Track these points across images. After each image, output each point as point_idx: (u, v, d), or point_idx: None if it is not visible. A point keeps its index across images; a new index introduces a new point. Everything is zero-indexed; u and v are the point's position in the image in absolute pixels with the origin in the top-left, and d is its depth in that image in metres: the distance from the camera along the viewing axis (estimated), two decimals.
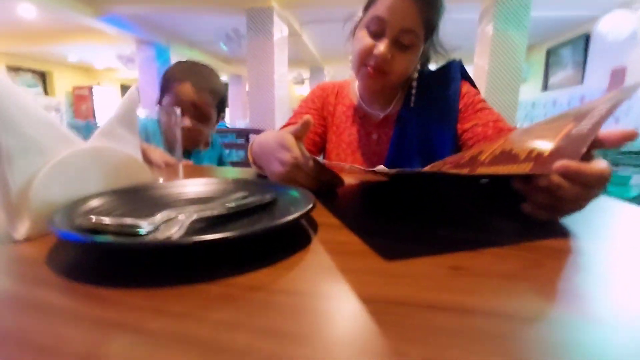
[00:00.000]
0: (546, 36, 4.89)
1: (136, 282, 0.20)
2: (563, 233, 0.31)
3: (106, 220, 0.25)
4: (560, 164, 0.30)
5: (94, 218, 0.25)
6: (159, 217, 0.28)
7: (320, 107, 0.82)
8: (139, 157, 0.38)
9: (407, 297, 0.19)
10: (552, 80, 4.94)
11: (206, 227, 0.30)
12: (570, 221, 0.35)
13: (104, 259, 0.24)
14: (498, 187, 0.50)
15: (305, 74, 7.97)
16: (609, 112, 0.33)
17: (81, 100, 8.10)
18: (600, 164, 0.30)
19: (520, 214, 0.35)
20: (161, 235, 0.26)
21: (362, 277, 0.22)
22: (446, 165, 0.51)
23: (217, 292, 0.19)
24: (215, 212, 0.30)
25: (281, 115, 4.05)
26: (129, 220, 0.26)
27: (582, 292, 0.20)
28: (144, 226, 0.26)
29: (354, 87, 0.81)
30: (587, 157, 0.32)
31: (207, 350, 0.14)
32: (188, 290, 0.19)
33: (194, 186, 0.39)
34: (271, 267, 0.23)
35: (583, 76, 4.30)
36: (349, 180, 0.58)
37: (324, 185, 0.44)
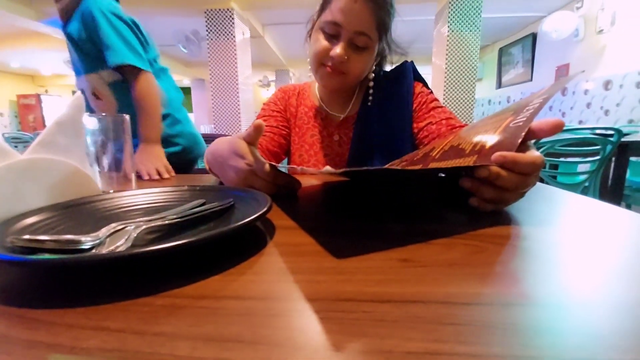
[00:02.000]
0: (498, 36, 5.20)
1: (75, 301, 0.19)
2: (507, 221, 0.34)
3: (43, 237, 0.24)
4: (498, 154, 0.32)
5: (27, 236, 0.23)
6: (105, 230, 0.27)
7: (283, 109, 0.82)
8: (85, 167, 0.36)
9: (355, 292, 0.20)
10: (505, 78, 5.26)
11: (157, 237, 0.29)
12: (515, 210, 0.37)
13: (41, 279, 0.23)
14: (451, 182, 0.53)
15: (271, 77, 7.92)
16: (542, 105, 0.36)
17: (27, 110, 7.49)
18: (533, 153, 0.33)
19: (468, 206, 0.37)
20: (106, 249, 0.24)
21: (313, 276, 0.22)
22: (402, 162, 0.53)
23: (161, 304, 0.19)
24: (167, 222, 0.29)
25: (247, 119, 3.98)
26: (68, 236, 0.25)
27: (521, 275, 0.22)
28: (86, 241, 0.25)
29: (315, 89, 0.82)
30: (523, 147, 0.34)
31: None
32: (130, 305, 0.19)
33: (146, 196, 0.38)
34: (222, 274, 0.22)
35: (532, 73, 4.61)
36: (309, 181, 0.58)
37: (281, 188, 0.44)
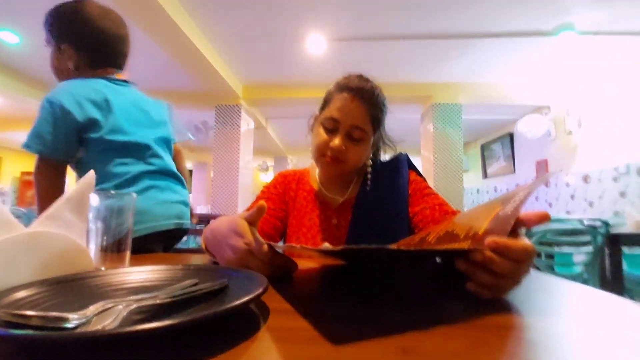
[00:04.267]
0: (479, 134, 5.71)
1: None
2: (507, 310, 0.33)
3: (29, 312, 0.23)
4: (490, 239, 0.33)
5: (14, 311, 0.23)
6: (93, 308, 0.26)
7: (282, 193, 0.85)
8: (83, 242, 0.36)
9: None
10: (490, 170, 5.60)
11: (147, 318, 0.28)
12: (515, 299, 0.36)
13: (22, 356, 0.21)
14: (447, 268, 0.53)
15: (270, 162, 8.34)
16: (527, 196, 0.39)
17: (27, 186, 7.59)
18: (524, 240, 0.34)
19: (467, 293, 0.36)
20: (92, 328, 0.23)
21: None
22: (399, 246, 0.53)
23: None
24: (158, 301, 0.28)
25: (244, 201, 4.05)
26: (54, 313, 0.24)
27: None
28: (73, 319, 0.24)
29: (314, 174, 0.87)
30: (513, 236, 0.35)
31: None
32: None
33: (139, 274, 0.37)
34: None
35: (514, 166, 4.93)
36: (307, 264, 0.58)
37: (277, 270, 0.43)
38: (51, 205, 0.34)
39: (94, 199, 0.45)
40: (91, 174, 0.38)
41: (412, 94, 3.82)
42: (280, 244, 0.84)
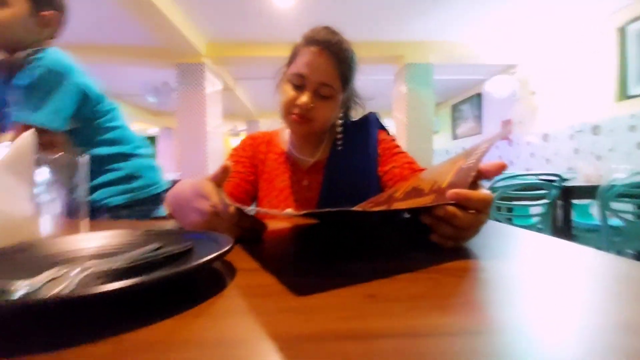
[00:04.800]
0: (449, 95, 5.79)
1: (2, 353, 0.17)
2: (467, 255, 0.35)
3: None
4: (452, 192, 0.34)
5: None
6: (43, 276, 0.24)
7: (251, 156, 0.83)
8: (28, 209, 0.33)
9: (318, 330, 0.19)
10: (459, 130, 5.76)
11: (104, 283, 0.26)
12: (474, 245, 0.39)
13: None
14: (414, 221, 0.54)
15: (241, 127, 8.07)
16: (487, 149, 0.40)
17: None
18: (483, 191, 0.35)
19: (431, 243, 0.38)
20: (42, 297, 0.22)
21: (274, 316, 0.21)
22: (369, 204, 0.54)
23: (101, 353, 0.16)
24: (116, 265, 0.27)
25: (214, 167, 3.94)
26: (0, 283, 0.22)
27: (480, 304, 0.22)
28: (19, 288, 0.22)
29: (284, 136, 0.84)
30: (474, 187, 0.37)
31: None
32: (66, 355, 0.16)
33: (95, 240, 0.35)
34: (174, 318, 0.20)
35: (481, 126, 5.11)
36: (278, 224, 0.58)
37: (246, 232, 0.43)
38: None
39: (42, 161, 0.41)
40: (28, 134, 0.34)
41: (385, 54, 3.74)
42: (252, 207, 0.83)
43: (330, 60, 0.67)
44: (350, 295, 0.24)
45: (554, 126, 3.65)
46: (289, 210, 0.40)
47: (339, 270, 0.30)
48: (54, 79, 0.83)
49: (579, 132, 3.31)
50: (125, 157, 1.01)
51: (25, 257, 0.29)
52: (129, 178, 1.01)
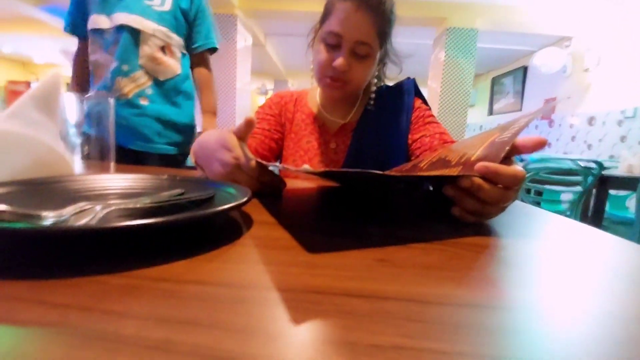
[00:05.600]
0: (491, 66, 5.38)
1: (20, 274, 0.18)
2: (487, 232, 0.33)
3: (1, 207, 0.22)
4: (481, 164, 0.32)
5: None
6: (70, 208, 0.25)
7: (278, 114, 0.82)
8: (58, 145, 0.34)
9: (326, 286, 0.19)
10: (497, 106, 5.42)
11: (127, 220, 0.28)
12: (496, 223, 0.37)
13: None
14: (437, 193, 0.53)
15: (270, 86, 7.97)
16: (527, 123, 0.37)
17: (15, 96, 7.28)
18: (515, 167, 0.33)
19: (451, 217, 0.36)
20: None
21: (284, 268, 0.21)
22: (391, 172, 0.53)
23: (116, 284, 0.17)
24: (138, 205, 0.28)
25: None
26: (30, 210, 0.23)
27: (495, 280, 0.21)
28: (47, 217, 0.23)
29: (315, 96, 0.82)
30: (507, 162, 0.34)
31: (85, 339, 0.13)
32: (81, 282, 0.17)
33: (122, 181, 0.36)
34: (188, 260, 0.21)
35: (522, 104, 4.77)
36: (300, 184, 0.58)
37: (266, 186, 0.43)
38: None
39: (70, 101, 0.42)
40: (56, 73, 0.34)
41: (425, 15, 3.47)
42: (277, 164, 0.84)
43: (367, 15, 0.62)
44: (361, 257, 0.24)
45: (602, 109, 3.35)
46: (306, 167, 0.40)
47: (353, 232, 0.30)
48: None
49: (630, 118, 3.03)
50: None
51: (55, 191, 0.31)
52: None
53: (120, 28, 0.94)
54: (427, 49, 3.95)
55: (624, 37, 3.15)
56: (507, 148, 0.34)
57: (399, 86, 0.79)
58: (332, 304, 0.17)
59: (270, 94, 8.17)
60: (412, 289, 0.19)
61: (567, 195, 1.89)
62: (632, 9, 3.04)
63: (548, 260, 0.26)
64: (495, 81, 5.45)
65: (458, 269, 0.23)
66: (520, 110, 4.77)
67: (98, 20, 0.96)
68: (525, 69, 4.67)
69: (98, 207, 0.26)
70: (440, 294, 0.19)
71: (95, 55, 0.98)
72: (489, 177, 0.32)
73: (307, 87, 0.88)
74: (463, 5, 3.41)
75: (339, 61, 0.64)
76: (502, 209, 0.35)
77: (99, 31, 0.96)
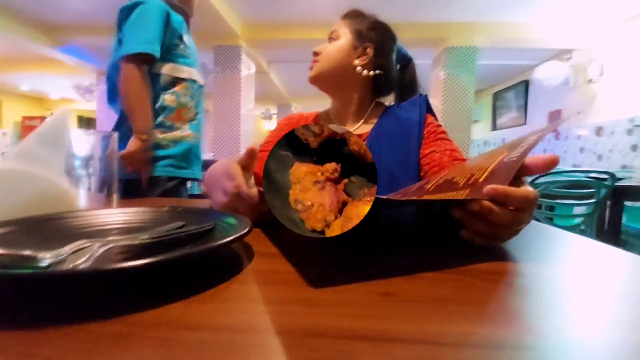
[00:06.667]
0: (492, 81, 5.43)
1: (12, 324, 0.17)
2: (500, 257, 0.32)
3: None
4: (489, 187, 0.31)
5: None
6: (68, 247, 0.25)
7: None
8: (62, 182, 0.34)
9: (328, 327, 0.18)
10: (500, 121, 5.42)
11: (125, 258, 0.27)
12: (509, 246, 0.35)
13: None
14: (444, 217, 0.51)
15: (273, 110, 8.14)
16: (536, 142, 0.36)
17: (29, 131, 7.55)
18: (526, 188, 0.32)
19: (460, 241, 0.35)
20: (65, 267, 0.22)
21: (285, 307, 0.20)
22: (397, 195, 0.52)
23: (106, 332, 0.16)
24: (137, 242, 0.28)
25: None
26: (27, 251, 0.23)
27: (516, 314, 0.20)
28: (44, 258, 0.23)
29: (324, 117, 0.83)
30: (517, 183, 0.33)
31: None
32: (73, 331, 0.16)
33: (123, 215, 0.36)
34: (185, 301, 0.20)
35: (525, 117, 4.76)
36: None
37: (267, 215, 0.42)
38: None
39: (76, 137, 0.42)
40: (64, 110, 0.35)
41: (425, 36, 3.55)
42: None
43: (345, 19, 0.78)
44: (365, 291, 0.22)
45: (610, 119, 3.32)
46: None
47: (358, 262, 0.29)
48: (149, 10, 0.99)
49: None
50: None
51: (56, 227, 0.31)
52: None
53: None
54: (426, 68, 4.02)
55: (626, 46, 3.17)
56: (517, 167, 0.32)
57: (411, 102, 0.80)
58: (334, 349, 0.15)
59: (274, 118, 8.33)
60: (423, 327, 0.18)
61: (580, 209, 1.83)
62: (632, 17, 3.07)
63: (572, 286, 0.25)
64: (497, 96, 5.48)
65: (474, 302, 0.21)
66: (524, 124, 4.76)
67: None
68: (527, 83, 4.69)
69: (96, 245, 0.25)
70: (455, 332, 0.17)
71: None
72: (499, 200, 0.31)
73: (310, 110, 0.90)
74: (463, 25, 3.49)
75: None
76: (516, 232, 0.34)
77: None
